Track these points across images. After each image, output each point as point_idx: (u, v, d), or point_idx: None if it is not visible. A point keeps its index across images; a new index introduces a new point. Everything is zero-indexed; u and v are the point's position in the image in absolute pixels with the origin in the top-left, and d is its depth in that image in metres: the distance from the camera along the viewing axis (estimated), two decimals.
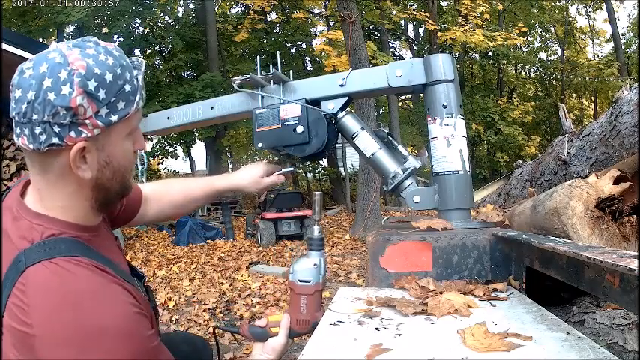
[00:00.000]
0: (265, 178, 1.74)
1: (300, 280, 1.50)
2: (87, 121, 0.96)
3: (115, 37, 18.04)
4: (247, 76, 1.81)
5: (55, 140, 0.95)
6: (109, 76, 0.97)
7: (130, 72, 1.02)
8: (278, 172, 1.78)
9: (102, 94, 0.96)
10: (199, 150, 22.93)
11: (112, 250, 1.18)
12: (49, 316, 0.89)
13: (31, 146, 0.96)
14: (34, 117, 0.93)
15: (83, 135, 0.96)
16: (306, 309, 1.50)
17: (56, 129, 0.94)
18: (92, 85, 0.94)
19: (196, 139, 18.93)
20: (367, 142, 1.78)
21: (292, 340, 1.53)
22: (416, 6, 20.65)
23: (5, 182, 6.93)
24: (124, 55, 1.05)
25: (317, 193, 1.60)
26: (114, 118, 0.99)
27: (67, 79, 0.93)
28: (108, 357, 0.89)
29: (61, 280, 0.92)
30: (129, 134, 1.06)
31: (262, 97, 1.84)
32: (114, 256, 1.14)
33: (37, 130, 0.94)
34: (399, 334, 1.06)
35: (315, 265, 1.49)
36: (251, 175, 1.73)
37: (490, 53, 21.19)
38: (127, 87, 1.01)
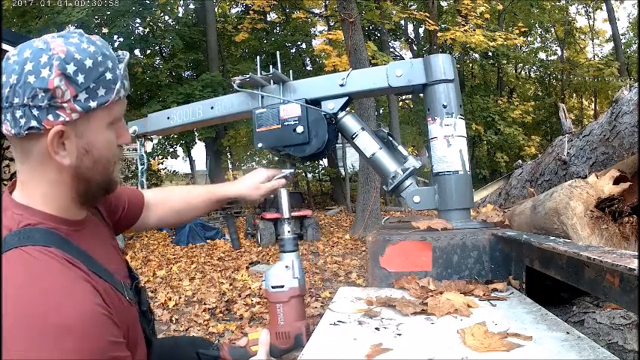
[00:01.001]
0: (266, 183, 1.73)
1: (272, 287, 1.39)
2: (65, 105, 0.96)
3: (115, 37, 18.05)
4: (247, 76, 1.81)
5: (34, 123, 0.95)
6: (88, 62, 0.98)
7: (112, 62, 1.03)
8: (278, 176, 1.77)
9: (80, 78, 0.97)
10: (199, 150, 22.93)
11: (100, 248, 1.16)
12: (8, 303, 0.86)
13: (12, 131, 0.96)
14: (15, 100, 0.94)
15: (61, 119, 0.96)
16: (283, 319, 1.37)
17: (35, 112, 0.95)
18: (71, 69, 0.96)
19: (196, 139, 18.93)
20: (367, 142, 1.78)
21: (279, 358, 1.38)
22: (416, 6, 20.65)
23: (5, 182, 6.94)
24: (108, 46, 1.05)
25: (283, 190, 1.56)
26: (93, 103, 0.99)
27: (47, 62, 0.95)
28: (57, 356, 0.85)
29: (26, 269, 0.91)
30: (110, 124, 1.06)
31: (262, 97, 1.85)
32: (100, 254, 1.12)
33: (18, 113, 0.95)
34: (399, 334, 1.06)
35: (287, 267, 1.39)
36: (252, 182, 1.71)
37: (490, 53, 21.17)
38: (108, 75, 1.01)
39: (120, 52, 1.08)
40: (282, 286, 1.37)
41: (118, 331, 0.98)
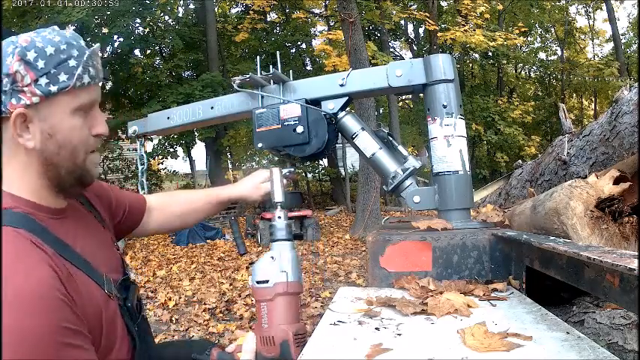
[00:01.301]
0: (266, 183, 1.74)
1: (257, 282, 1.21)
2: (25, 89, 1.01)
3: (115, 37, 18.04)
4: (247, 76, 1.81)
5: (2, 107, 1.02)
6: (50, 49, 1.03)
7: (78, 50, 1.07)
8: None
9: (41, 64, 1.02)
10: (199, 150, 22.92)
11: (84, 239, 1.17)
12: None
13: None
14: None
15: (22, 102, 1.01)
16: (267, 321, 1.19)
17: (2, 97, 1.01)
18: (31, 55, 1.01)
19: (196, 139, 18.92)
20: (367, 142, 1.78)
21: None
22: (416, 6, 20.65)
23: None
24: (79, 39, 1.10)
25: (274, 169, 1.42)
26: (53, 88, 1.03)
27: (11, 51, 1.02)
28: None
29: None
30: (77, 110, 1.08)
31: (262, 97, 1.85)
32: (82, 245, 1.13)
33: None
34: (399, 334, 1.06)
35: (272, 258, 1.22)
36: (252, 183, 1.73)
37: (490, 53, 21.18)
38: (72, 62, 1.05)
39: (93, 45, 1.12)
40: (267, 281, 1.20)
41: (77, 320, 0.98)
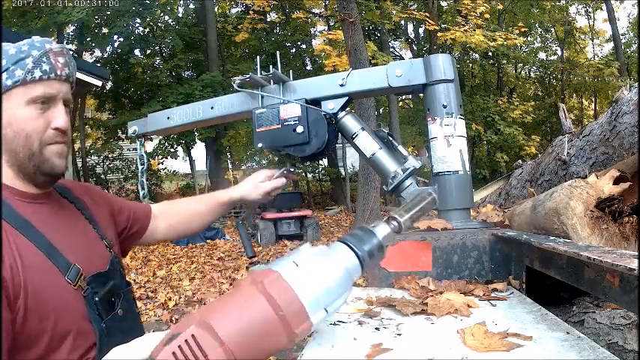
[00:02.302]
0: (265, 182, 1.75)
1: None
2: None
3: (115, 37, 18.05)
4: (247, 76, 1.81)
5: None
6: (12, 51, 1.18)
7: (40, 52, 1.20)
8: (276, 175, 1.78)
9: (3, 62, 1.17)
10: (199, 150, 22.90)
11: (59, 229, 1.24)
12: None
13: None
14: None
15: None
16: None
17: None
18: None
19: (196, 139, 18.92)
20: (367, 142, 1.78)
21: None
22: (416, 6, 20.65)
23: None
24: (47, 42, 1.23)
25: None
26: (9, 82, 1.17)
27: None
28: None
29: None
30: (30, 101, 1.19)
31: (262, 97, 1.84)
32: (54, 232, 1.20)
33: None
34: (399, 334, 1.06)
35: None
36: (251, 183, 1.75)
37: (490, 53, 21.15)
38: (28, 60, 1.18)
39: (57, 47, 1.25)
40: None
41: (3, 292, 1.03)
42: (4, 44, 1.20)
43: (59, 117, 1.23)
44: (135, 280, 7.57)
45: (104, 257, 1.34)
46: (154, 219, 1.65)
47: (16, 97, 1.18)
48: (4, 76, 1.17)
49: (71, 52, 1.32)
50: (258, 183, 1.74)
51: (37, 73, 1.19)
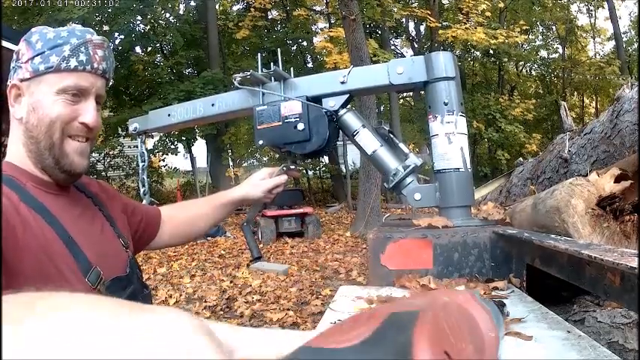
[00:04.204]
0: (266, 180, 1.74)
1: None
2: (23, 65, 1.15)
3: (116, 34, 18.03)
4: (248, 73, 1.81)
5: (8, 81, 1.17)
6: (50, 35, 1.16)
7: (79, 41, 1.16)
8: (276, 172, 1.78)
9: (39, 45, 1.14)
10: (200, 147, 22.89)
11: (75, 221, 1.18)
12: None
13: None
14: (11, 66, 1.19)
15: (19, 76, 1.16)
16: None
17: (12, 72, 1.18)
18: (34, 38, 1.16)
19: (197, 137, 18.92)
20: (368, 140, 1.78)
21: None
22: (417, 3, 20.63)
23: None
24: (88, 32, 1.20)
25: None
26: (42, 67, 1.14)
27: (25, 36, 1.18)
28: None
29: None
30: (61, 91, 1.15)
31: (263, 94, 1.84)
32: (70, 224, 1.15)
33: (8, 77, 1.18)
34: None
35: None
36: (252, 182, 1.74)
37: (491, 51, 21.16)
38: (65, 47, 1.14)
39: (99, 38, 1.21)
40: None
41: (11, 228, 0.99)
42: (42, 27, 1.19)
43: (88, 112, 1.19)
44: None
45: (122, 258, 1.30)
46: (162, 224, 1.62)
47: (46, 83, 1.14)
48: (38, 59, 1.13)
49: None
50: (259, 181, 1.73)
51: (73, 63, 1.14)
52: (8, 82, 1.17)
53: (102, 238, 1.26)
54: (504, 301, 1.14)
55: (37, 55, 1.13)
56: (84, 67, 1.16)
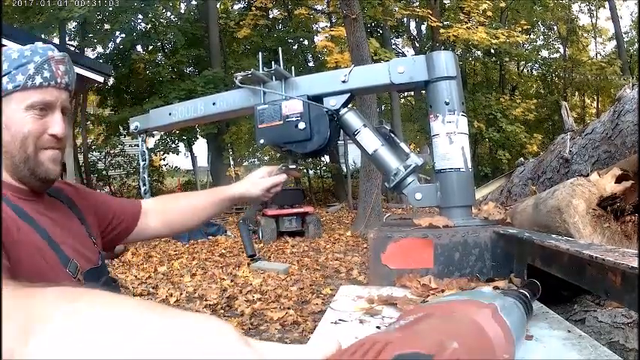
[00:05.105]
0: (265, 178, 1.75)
1: None
2: None
3: (117, 33, 18.04)
4: (249, 72, 1.81)
5: None
6: (15, 55, 1.20)
7: (42, 58, 1.22)
8: (276, 171, 1.78)
9: (4, 66, 1.19)
10: (201, 146, 22.89)
11: (54, 225, 1.26)
12: None
13: None
14: None
15: None
16: None
17: None
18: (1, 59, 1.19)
19: (198, 135, 18.93)
20: (369, 139, 1.78)
21: None
22: (418, 3, 20.63)
23: None
24: (49, 50, 1.25)
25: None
26: (10, 86, 1.18)
27: None
28: None
29: None
30: (30, 107, 1.21)
31: (264, 93, 1.84)
32: (49, 226, 1.23)
33: None
34: None
35: None
36: (251, 180, 1.75)
37: (492, 50, 21.15)
38: (30, 65, 1.20)
39: (59, 54, 1.27)
40: None
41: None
42: (7, 48, 1.23)
43: (56, 124, 1.25)
44: (136, 277, 7.58)
45: (94, 252, 1.38)
46: (143, 217, 1.65)
47: (15, 102, 1.20)
48: (5, 80, 1.18)
49: (71, 60, 1.34)
50: (258, 179, 1.74)
51: (38, 80, 1.21)
52: None
53: (75, 236, 1.34)
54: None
55: (4, 76, 1.18)
56: (48, 82, 1.23)
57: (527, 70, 28.85)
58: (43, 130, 1.24)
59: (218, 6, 21.37)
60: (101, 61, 16.96)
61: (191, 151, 21.84)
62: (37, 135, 1.23)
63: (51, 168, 1.27)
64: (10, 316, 0.46)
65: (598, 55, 28.38)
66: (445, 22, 19.04)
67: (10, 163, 1.22)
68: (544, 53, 27.39)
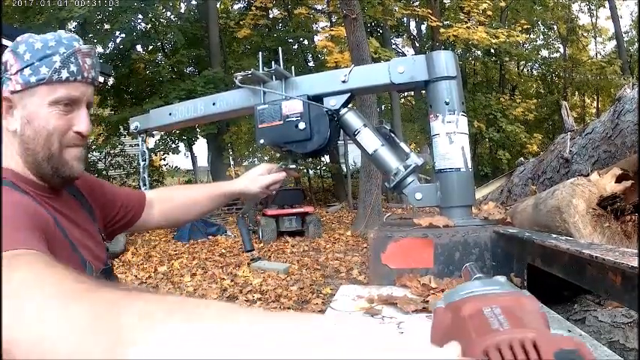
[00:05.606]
0: (265, 176, 1.75)
1: None
2: (12, 77, 1.14)
3: (117, 33, 18.02)
4: (249, 72, 1.81)
5: None
6: (38, 45, 1.14)
7: (67, 50, 1.16)
8: (276, 169, 1.78)
9: (27, 56, 1.13)
10: (201, 146, 22.91)
11: (72, 223, 1.23)
12: None
13: None
14: None
15: (9, 87, 1.14)
16: None
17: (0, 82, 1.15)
18: (21, 48, 1.14)
19: (198, 135, 18.92)
20: (369, 139, 1.78)
21: None
22: (418, 2, 20.62)
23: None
24: (75, 40, 1.19)
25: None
26: (33, 78, 1.13)
27: (10, 45, 1.17)
28: None
29: None
30: (55, 102, 1.15)
31: (264, 93, 1.84)
32: (67, 226, 1.20)
33: None
34: (401, 332, 1.06)
35: None
36: (250, 177, 1.75)
37: (492, 50, 21.14)
38: (55, 58, 1.14)
39: (86, 47, 1.21)
40: None
41: (36, 235, 1.00)
42: (28, 36, 1.16)
43: (82, 121, 1.21)
44: (136, 276, 7.58)
45: (103, 251, 1.36)
46: (148, 207, 1.63)
47: (39, 95, 1.15)
48: (28, 71, 1.13)
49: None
50: (257, 176, 1.74)
51: (64, 74, 1.15)
52: None
53: (87, 234, 1.31)
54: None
55: (27, 67, 1.13)
56: (75, 77, 1.17)
57: (527, 70, 28.85)
58: (69, 127, 1.19)
59: (218, 6, 21.36)
60: (101, 61, 16.94)
61: (191, 151, 21.84)
62: (62, 132, 1.18)
63: (75, 166, 1.23)
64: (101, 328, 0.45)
65: (598, 54, 28.42)
66: (445, 22, 19.05)
67: (32, 160, 1.17)
68: (544, 53, 27.44)
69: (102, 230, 1.44)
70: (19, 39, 1.16)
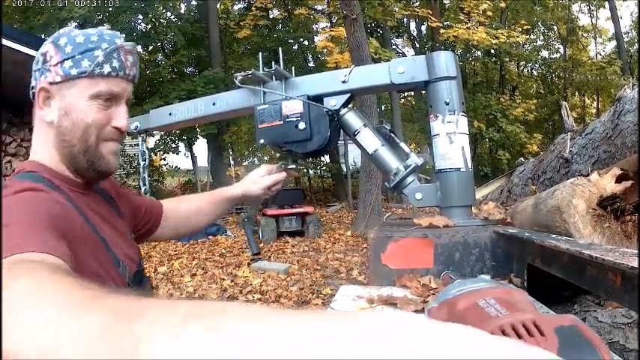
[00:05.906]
0: (265, 176, 1.75)
1: None
2: (52, 68, 1.14)
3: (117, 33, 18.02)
4: (249, 72, 1.81)
5: (34, 83, 1.16)
6: (80, 39, 1.14)
7: (109, 45, 1.16)
8: (276, 169, 1.78)
9: (68, 48, 1.13)
10: (201, 146, 22.91)
11: (102, 222, 1.21)
12: None
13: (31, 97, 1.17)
14: (34, 68, 1.18)
15: (48, 79, 1.14)
16: None
17: (37, 74, 1.16)
18: (62, 40, 1.14)
19: (198, 135, 18.93)
20: (369, 139, 1.78)
21: None
22: (418, 3, 20.63)
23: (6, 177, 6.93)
24: (116, 37, 1.19)
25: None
26: (74, 71, 1.13)
27: (51, 37, 1.18)
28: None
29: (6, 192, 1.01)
30: (95, 96, 1.15)
31: (264, 93, 1.84)
32: (99, 222, 1.19)
33: (32, 79, 1.17)
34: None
35: None
36: (251, 179, 1.75)
37: (492, 51, 21.15)
38: (97, 52, 1.14)
39: (128, 44, 1.21)
40: None
41: (66, 223, 1.01)
42: (69, 29, 1.17)
43: (121, 117, 1.21)
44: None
45: (135, 252, 1.34)
46: (164, 219, 1.63)
47: (79, 88, 1.14)
48: (68, 63, 1.13)
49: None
50: (258, 178, 1.74)
51: (107, 69, 1.15)
52: (34, 85, 1.16)
53: (119, 234, 1.29)
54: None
55: (68, 59, 1.13)
56: (117, 73, 1.17)
57: (527, 71, 28.86)
58: (107, 121, 1.19)
59: (218, 6, 21.38)
60: None
61: (191, 151, 21.83)
62: (100, 126, 1.18)
63: (111, 161, 1.22)
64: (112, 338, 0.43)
65: (598, 55, 28.42)
66: (445, 23, 19.06)
67: (67, 153, 1.17)
68: (544, 53, 27.44)
69: (134, 235, 1.42)
70: (60, 31, 1.17)
